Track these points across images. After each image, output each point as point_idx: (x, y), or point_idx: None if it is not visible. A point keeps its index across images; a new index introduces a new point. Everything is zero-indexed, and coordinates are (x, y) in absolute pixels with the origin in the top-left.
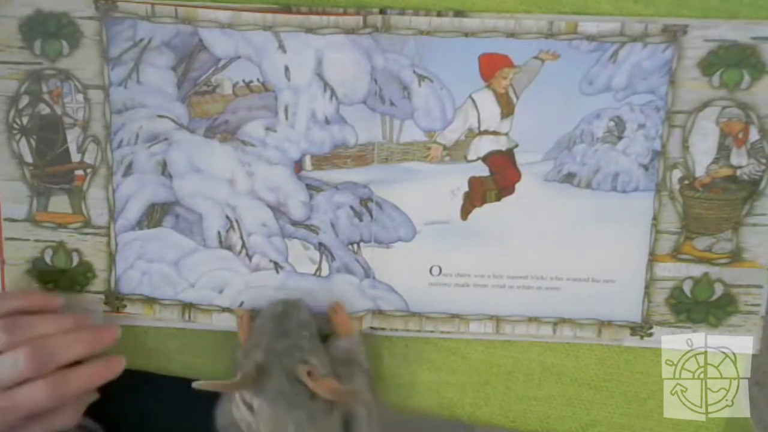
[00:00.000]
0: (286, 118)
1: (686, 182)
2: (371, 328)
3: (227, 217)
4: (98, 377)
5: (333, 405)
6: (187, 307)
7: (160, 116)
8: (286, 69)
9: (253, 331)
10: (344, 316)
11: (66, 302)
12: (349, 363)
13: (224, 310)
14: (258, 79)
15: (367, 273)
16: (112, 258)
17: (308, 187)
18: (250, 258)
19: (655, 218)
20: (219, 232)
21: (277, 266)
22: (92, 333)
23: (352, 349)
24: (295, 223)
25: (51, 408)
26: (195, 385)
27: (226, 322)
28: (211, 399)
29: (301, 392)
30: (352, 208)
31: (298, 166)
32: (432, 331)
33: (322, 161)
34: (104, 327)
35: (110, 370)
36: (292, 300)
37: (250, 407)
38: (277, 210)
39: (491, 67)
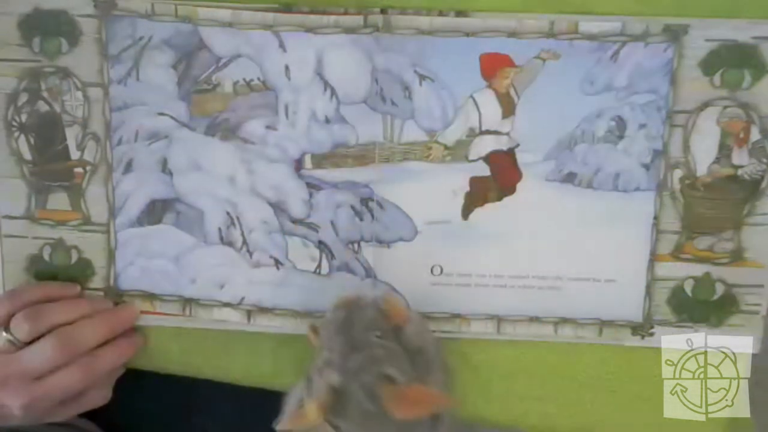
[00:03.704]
0: (287, 117)
1: (687, 182)
2: None
3: (228, 214)
4: (124, 355)
5: None
6: (188, 302)
7: (161, 114)
8: (287, 68)
9: (321, 343)
10: (395, 306)
11: (82, 291)
12: (421, 351)
13: (225, 305)
14: (259, 78)
15: (368, 272)
16: (111, 255)
17: (308, 185)
18: (250, 254)
19: (656, 218)
20: (220, 229)
21: (277, 263)
22: (113, 315)
23: (419, 334)
24: (294, 221)
25: (83, 389)
26: (276, 426)
27: (226, 316)
28: (211, 399)
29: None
30: (352, 207)
31: (298, 164)
32: (433, 331)
33: (322, 160)
34: (123, 308)
35: (134, 346)
36: (352, 299)
37: (336, 428)
38: (278, 207)
39: (492, 66)
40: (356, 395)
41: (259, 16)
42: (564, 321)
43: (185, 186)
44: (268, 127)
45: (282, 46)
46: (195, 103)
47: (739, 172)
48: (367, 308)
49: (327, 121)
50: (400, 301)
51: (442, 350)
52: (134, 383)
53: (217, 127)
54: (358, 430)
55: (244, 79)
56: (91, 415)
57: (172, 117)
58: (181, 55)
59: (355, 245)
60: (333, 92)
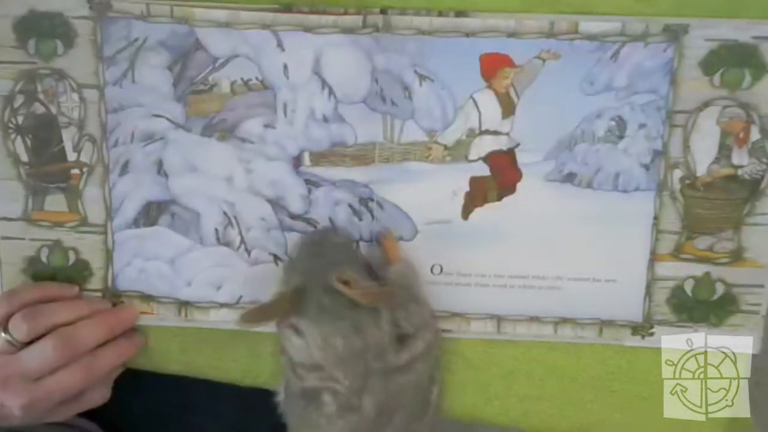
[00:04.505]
0: (285, 115)
1: (687, 182)
2: None
3: (225, 214)
4: (124, 355)
5: (378, 313)
6: (183, 305)
7: (156, 115)
8: (285, 67)
9: (291, 261)
10: (392, 242)
11: (80, 292)
12: (405, 288)
13: (222, 306)
14: (257, 78)
15: None
16: (109, 256)
17: (307, 182)
18: (249, 252)
19: (656, 218)
20: (216, 230)
21: (276, 258)
22: (112, 315)
23: (405, 276)
24: (293, 217)
25: (83, 389)
26: (240, 317)
27: (224, 317)
28: (211, 399)
29: (341, 303)
30: (351, 206)
31: (296, 161)
32: None
33: (320, 158)
34: (122, 308)
35: (134, 346)
36: (327, 227)
37: (297, 330)
38: (276, 204)
39: (492, 66)
40: (314, 291)
41: (257, 15)
42: (564, 321)
43: (180, 188)
44: (266, 126)
45: (280, 45)
46: (191, 104)
47: (739, 172)
48: (339, 236)
49: (325, 120)
50: (394, 241)
51: (428, 303)
52: (134, 383)
53: (213, 128)
54: (314, 326)
55: (241, 79)
56: (90, 414)
57: (167, 118)
58: (177, 56)
59: (354, 245)
60: (331, 91)
